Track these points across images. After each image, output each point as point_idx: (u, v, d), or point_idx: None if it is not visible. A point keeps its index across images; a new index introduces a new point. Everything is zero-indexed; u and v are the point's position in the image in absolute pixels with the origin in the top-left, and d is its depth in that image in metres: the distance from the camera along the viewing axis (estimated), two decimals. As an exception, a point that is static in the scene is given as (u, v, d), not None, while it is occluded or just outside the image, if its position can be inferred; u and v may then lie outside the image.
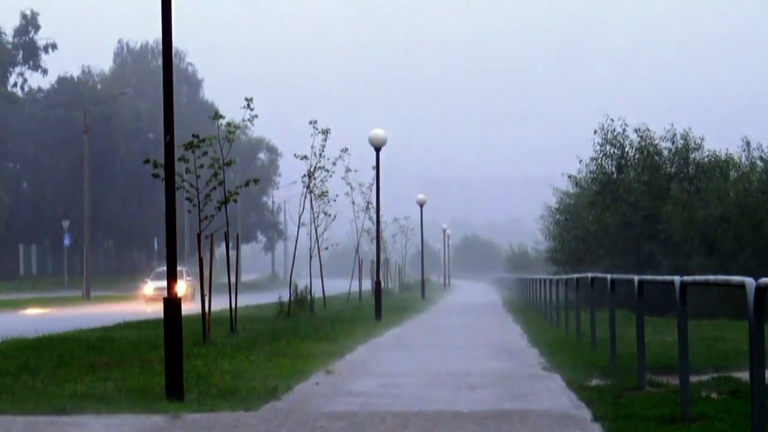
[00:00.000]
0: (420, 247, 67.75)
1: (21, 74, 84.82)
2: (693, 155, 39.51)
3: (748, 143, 38.19)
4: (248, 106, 23.03)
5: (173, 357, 11.48)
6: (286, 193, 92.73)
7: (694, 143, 39.57)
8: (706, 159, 39.19)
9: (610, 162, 40.62)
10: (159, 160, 15.07)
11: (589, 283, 18.67)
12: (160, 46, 12.65)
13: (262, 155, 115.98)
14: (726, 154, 39.02)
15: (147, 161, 18.41)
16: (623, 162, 40.30)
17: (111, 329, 24.30)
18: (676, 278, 10.21)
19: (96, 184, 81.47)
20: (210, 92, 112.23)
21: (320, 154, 31.20)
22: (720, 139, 40.84)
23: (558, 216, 52.18)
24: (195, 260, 31.16)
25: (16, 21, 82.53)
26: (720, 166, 38.53)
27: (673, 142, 39.79)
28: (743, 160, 38.35)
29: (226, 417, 10.32)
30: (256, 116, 23.07)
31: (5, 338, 20.58)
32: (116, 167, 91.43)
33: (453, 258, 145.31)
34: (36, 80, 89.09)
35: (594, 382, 13.14)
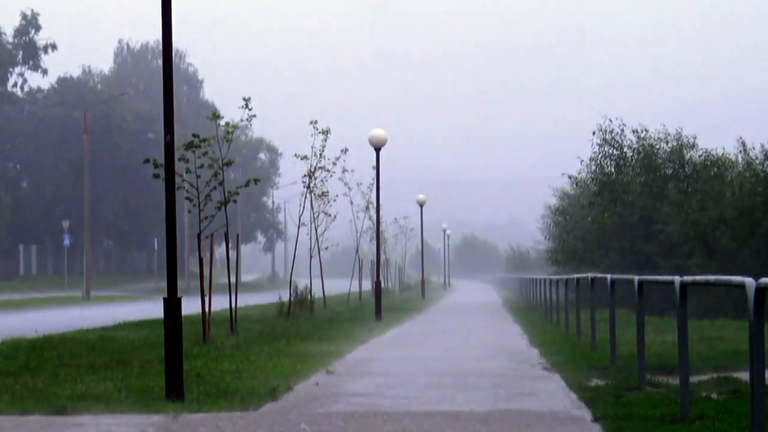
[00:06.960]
0: (420, 247, 67.81)
1: (21, 74, 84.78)
2: (688, 154, 39.46)
3: (743, 143, 38.16)
4: (246, 106, 23.03)
5: (173, 357, 11.47)
6: (286, 193, 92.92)
7: (687, 142, 39.53)
8: (701, 158, 39.13)
9: (609, 162, 40.60)
10: (159, 160, 15.07)
11: (589, 283, 18.68)
12: (160, 46, 12.63)
13: (262, 155, 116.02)
14: (722, 153, 38.97)
15: (147, 161, 18.42)
16: (622, 162, 40.27)
17: (111, 329, 24.32)
18: (676, 278, 10.20)
19: (96, 184, 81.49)
20: (210, 92, 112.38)
21: (320, 154, 31.20)
22: (722, 140, 40.78)
23: (558, 216, 52.18)
24: (195, 260, 31.12)
25: (16, 21, 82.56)
26: (716, 165, 38.47)
27: (666, 142, 39.76)
28: (739, 160, 38.29)
29: (226, 417, 10.31)
30: (254, 116, 23.06)
31: (5, 338, 20.58)
32: (116, 167, 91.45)
33: (453, 258, 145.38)
34: (36, 80, 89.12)
35: (594, 382, 13.13)
